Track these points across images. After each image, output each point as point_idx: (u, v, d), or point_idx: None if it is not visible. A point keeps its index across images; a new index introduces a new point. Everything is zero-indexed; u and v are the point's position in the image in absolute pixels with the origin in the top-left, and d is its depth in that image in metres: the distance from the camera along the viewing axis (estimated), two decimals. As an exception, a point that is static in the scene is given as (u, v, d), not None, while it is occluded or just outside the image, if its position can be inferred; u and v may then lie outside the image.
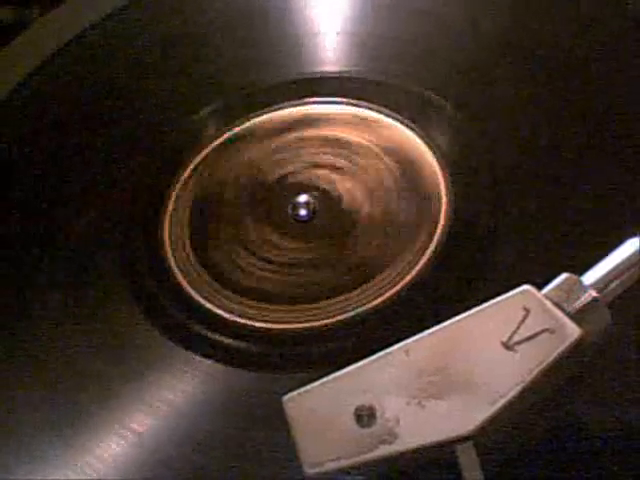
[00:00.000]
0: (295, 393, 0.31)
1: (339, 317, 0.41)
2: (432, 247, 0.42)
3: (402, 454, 0.29)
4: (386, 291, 0.41)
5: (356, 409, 0.30)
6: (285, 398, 0.31)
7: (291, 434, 0.31)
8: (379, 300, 0.41)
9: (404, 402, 0.30)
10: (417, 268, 0.42)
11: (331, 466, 0.29)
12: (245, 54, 0.53)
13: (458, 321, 0.31)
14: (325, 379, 0.31)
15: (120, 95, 0.54)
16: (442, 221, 0.43)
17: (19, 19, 0.63)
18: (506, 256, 0.40)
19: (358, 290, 0.42)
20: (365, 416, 0.30)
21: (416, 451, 0.29)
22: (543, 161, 0.44)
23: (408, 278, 0.41)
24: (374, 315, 0.41)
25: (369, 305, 0.41)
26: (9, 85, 0.54)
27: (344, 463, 0.29)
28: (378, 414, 0.30)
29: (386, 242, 0.43)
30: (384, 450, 0.29)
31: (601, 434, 0.34)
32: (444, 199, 0.44)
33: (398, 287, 0.41)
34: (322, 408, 0.31)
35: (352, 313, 0.41)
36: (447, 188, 0.44)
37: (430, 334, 0.31)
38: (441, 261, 0.42)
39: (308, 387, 0.31)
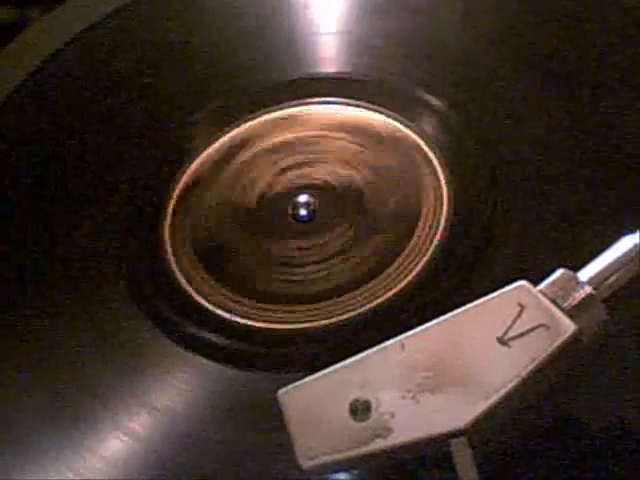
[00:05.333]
0: (290, 387, 0.31)
1: (339, 317, 0.41)
2: (432, 247, 0.42)
3: (397, 448, 0.29)
4: (386, 292, 0.41)
5: (351, 403, 0.30)
6: (280, 392, 0.31)
7: (286, 427, 0.31)
8: (379, 300, 0.41)
9: (399, 396, 0.30)
10: (417, 268, 0.42)
11: (326, 459, 0.29)
12: (244, 54, 0.53)
13: (453, 316, 0.31)
14: (320, 373, 0.31)
15: (120, 95, 0.54)
16: (442, 220, 0.43)
17: (19, 19, 0.63)
18: (504, 254, 0.40)
19: (358, 290, 0.42)
20: (360, 410, 0.30)
21: (411, 445, 0.29)
22: (541, 159, 0.44)
23: (408, 278, 0.41)
24: (374, 315, 0.41)
25: (369, 305, 0.41)
26: (9, 85, 0.54)
27: (339, 456, 0.29)
28: (373, 408, 0.30)
29: (386, 242, 0.43)
30: (379, 444, 0.29)
31: (601, 434, 0.34)
32: (444, 198, 0.44)
33: (398, 287, 0.41)
34: (317, 402, 0.31)
35: (352, 313, 0.41)
36: (447, 187, 0.44)
37: (426, 329, 0.31)
38: (441, 261, 0.42)
39: (303, 381, 0.31)
